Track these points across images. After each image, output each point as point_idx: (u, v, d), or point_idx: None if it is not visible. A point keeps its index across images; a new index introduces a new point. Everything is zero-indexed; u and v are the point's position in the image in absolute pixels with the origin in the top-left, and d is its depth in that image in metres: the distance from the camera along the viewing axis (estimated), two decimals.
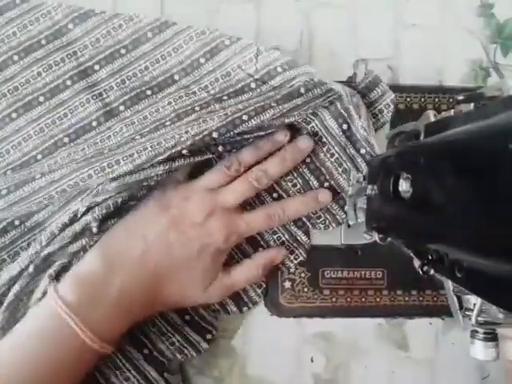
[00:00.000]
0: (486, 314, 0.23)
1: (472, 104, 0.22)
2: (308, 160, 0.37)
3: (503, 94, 0.22)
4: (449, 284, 0.25)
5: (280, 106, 0.33)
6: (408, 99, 0.39)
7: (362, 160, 0.35)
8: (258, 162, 0.35)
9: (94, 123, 0.37)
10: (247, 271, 0.36)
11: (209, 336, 0.37)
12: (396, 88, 0.39)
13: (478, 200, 0.18)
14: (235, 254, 0.37)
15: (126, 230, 0.33)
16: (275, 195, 0.37)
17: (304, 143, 0.35)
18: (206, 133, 0.32)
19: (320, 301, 0.38)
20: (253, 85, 0.36)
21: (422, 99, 0.39)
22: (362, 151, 0.35)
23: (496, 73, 0.40)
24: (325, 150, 0.36)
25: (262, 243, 0.38)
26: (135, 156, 0.32)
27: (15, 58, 0.37)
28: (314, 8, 0.40)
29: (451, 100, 0.39)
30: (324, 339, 0.39)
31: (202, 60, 0.37)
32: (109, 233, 0.33)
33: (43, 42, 0.37)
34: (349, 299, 0.38)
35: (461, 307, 0.25)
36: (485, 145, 0.17)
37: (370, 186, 0.31)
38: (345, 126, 0.35)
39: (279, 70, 0.36)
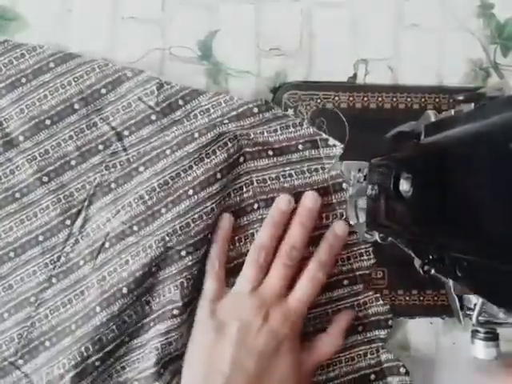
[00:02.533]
0: (487, 313, 0.23)
1: (472, 104, 0.22)
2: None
3: (503, 94, 0.22)
4: (450, 284, 0.25)
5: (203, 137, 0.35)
6: (408, 99, 0.39)
7: None
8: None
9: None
10: (330, 344, 0.35)
11: None
12: (396, 88, 0.39)
13: (478, 199, 0.18)
14: (308, 328, 0.37)
15: (199, 368, 0.33)
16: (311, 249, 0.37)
17: (311, 201, 0.36)
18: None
19: None
20: (153, 117, 0.37)
21: (422, 99, 0.39)
22: None
23: (496, 73, 0.40)
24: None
25: (322, 302, 0.37)
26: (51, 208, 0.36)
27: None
28: (314, 8, 0.40)
29: (451, 100, 0.39)
30: None
31: (103, 91, 0.37)
32: (184, 379, 0.33)
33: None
34: None
35: (462, 307, 0.25)
36: (485, 145, 0.17)
37: (370, 186, 0.31)
38: None
39: (180, 103, 0.37)
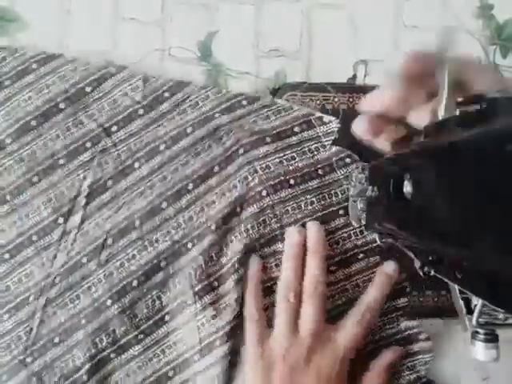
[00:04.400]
0: (487, 315, 0.23)
1: (472, 105, 0.22)
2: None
3: (503, 95, 0.22)
4: (455, 287, 0.25)
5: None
6: None
7: None
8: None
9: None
10: (377, 377, 0.35)
11: None
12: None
13: (478, 201, 0.18)
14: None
15: None
16: (338, 264, 0.38)
17: (315, 232, 0.36)
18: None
19: None
20: (141, 111, 0.37)
21: None
22: None
23: None
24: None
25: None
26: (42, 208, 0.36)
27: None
28: (314, 9, 0.40)
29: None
30: None
31: (88, 89, 0.37)
32: None
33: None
34: None
35: (468, 311, 0.24)
36: (485, 146, 0.17)
37: (370, 188, 0.31)
38: None
39: (166, 95, 0.37)
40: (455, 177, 0.19)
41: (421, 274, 0.23)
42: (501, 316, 0.23)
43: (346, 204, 0.37)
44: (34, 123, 0.37)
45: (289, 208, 0.36)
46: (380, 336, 0.37)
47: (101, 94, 0.37)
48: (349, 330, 0.34)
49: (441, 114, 0.23)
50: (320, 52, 0.39)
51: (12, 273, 0.36)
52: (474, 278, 0.20)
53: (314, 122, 0.37)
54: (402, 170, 0.24)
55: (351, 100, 0.38)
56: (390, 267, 0.36)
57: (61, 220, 0.37)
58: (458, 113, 0.23)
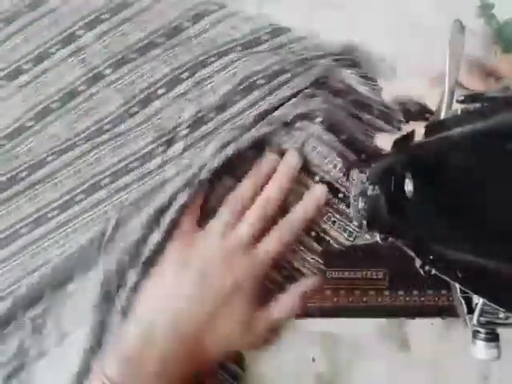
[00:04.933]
0: (488, 314, 0.23)
1: (472, 104, 0.22)
2: (311, 173, 0.37)
3: (504, 94, 0.22)
4: (456, 286, 0.25)
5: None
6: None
7: None
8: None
9: (82, 87, 0.37)
10: (285, 308, 0.36)
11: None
12: None
13: (478, 200, 0.18)
14: (266, 287, 0.37)
15: (154, 296, 0.33)
16: None
17: (292, 159, 0.36)
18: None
19: (321, 301, 0.38)
20: (239, 48, 0.38)
21: None
22: None
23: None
24: (321, 157, 0.37)
25: (286, 266, 0.38)
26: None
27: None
28: (314, 8, 0.40)
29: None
30: (325, 339, 0.39)
31: (187, 24, 0.38)
32: (140, 303, 0.34)
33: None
34: (350, 299, 0.38)
35: (469, 310, 0.24)
36: (485, 145, 0.17)
37: (371, 187, 0.31)
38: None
39: (264, 38, 0.38)
40: (456, 175, 0.19)
41: (421, 273, 0.23)
42: (502, 315, 0.23)
43: None
44: (133, 56, 0.37)
45: None
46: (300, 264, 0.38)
47: (200, 30, 0.38)
48: (269, 244, 0.35)
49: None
50: None
51: (110, 198, 0.37)
52: (475, 277, 0.20)
53: None
54: (403, 169, 0.24)
55: None
56: (317, 190, 0.37)
57: (161, 149, 0.37)
58: (459, 111, 0.23)
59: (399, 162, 0.26)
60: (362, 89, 0.37)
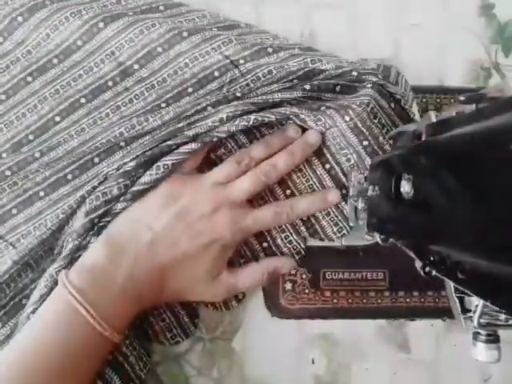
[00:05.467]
0: (488, 315, 0.23)
1: (473, 105, 0.22)
2: (323, 159, 0.37)
3: (505, 94, 0.22)
4: (451, 286, 0.25)
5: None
6: None
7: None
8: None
9: (110, 83, 0.37)
10: (252, 275, 0.36)
11: (196, 320, 0.37)
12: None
13: (479, 201, 0.17)
14: (242, 250, 0.37)
15: (133, 219, 0.33)
16: (288, 192, 0.37)
17: (313, 137, 0.36)
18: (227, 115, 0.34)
19: (321, 302, 0.38)
20: (270, 50, 0.36)
21: (424, 99, 0.39)
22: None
23: (497, 73, 0.40)
24: (337, 148, 0.36)
25: (268, 239, 0.38)
26: (163, 112, 0.35)
27: (20, 19, 0.37)
28: (314, 8, 0.40)
29: (452, 100, 0.39)
30: (325, 341, 0.39)
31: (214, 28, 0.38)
32: (115, 221, 0.33)
33: (47, 1, 0.37)
34: (350, 300, 0.38)
35: (463, 309, 0.24)
36: (486, 146, 0.17)
37: (371, 187, 0.30)
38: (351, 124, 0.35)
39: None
40: (456, 176, 0.19)
41: (422, 274, 0.23)
42: (502, 317, 0.23)
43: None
44: (159, 50, 0.37)
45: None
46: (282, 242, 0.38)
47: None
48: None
49: None
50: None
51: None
52: (475, 278, 0.19)
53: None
54: (402, 169, 0.24)
55: None
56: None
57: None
58: (454, 113, 0.23)
59: (399, 162, 0.26)
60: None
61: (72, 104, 0.37)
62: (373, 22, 0.40)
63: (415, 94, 0.38)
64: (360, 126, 0.34)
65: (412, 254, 0.26)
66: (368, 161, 0.35)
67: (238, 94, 0.36)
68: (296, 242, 0.38)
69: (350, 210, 0.35)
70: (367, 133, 0.34)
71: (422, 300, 0.38)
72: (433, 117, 0.26)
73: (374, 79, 0.34)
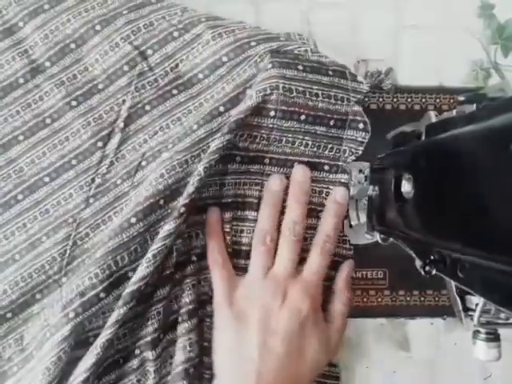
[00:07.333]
0: (489, 314, 0.23)
1: (473, 105, 0.22)
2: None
3: (504, 94, 0.22)
4: (452, 284, 0.25)
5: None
6: (409, 100, 0.39)
7: None
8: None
9: (21, 80, 0.37)
10: (341, 303, 0.35)
11: None
12: (396, 89, 0.39)
13: (479, 200, 0.18)
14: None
15: (228, 359, 0.33)
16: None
17: (301, 176, 0.35)
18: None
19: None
20: (176, 34, 0.37)
21: (423, 100, 0.39)
22: None
23: (497, 73, 0.40)
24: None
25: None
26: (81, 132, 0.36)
27: None
28: (314, 8, 0.40)
29: (452, 101, 0.39)
30: None
31: (125, 11, 0.37)
32: (216, 369, 0.33)
33: None
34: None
35: (464, 308, 0.25)
36: (486, 146, 0.17)
37: (371, 187, 0.31)
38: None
39: (202, 19, 0.37)
40: (457, 176, 0.19)
41: (422, 272, 0.23)
42: (502, 315, 0.23)
43: (332, 162, 0.36)
44: (72, 46, 0.37)
45: (284, 138, 0.35)
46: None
47: (137, 16, 0.37)
48: (314, 262, 0.34)
49: None
50: (320, 51, 0.39)
51: (51, 195, 0.36)
52: (475, 277, 0.20)
53: (347, 74, 0.36)
54: (403, 169, 0.24)
55: None
56: (339, 194, 0.36)
57: (100, 144, 0.37)
58: (454, 113, 0.23)
59: (398, 162, 0.26)
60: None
61: (90, 89, 0.37)
62: (373, 22, 0.40)
63: (415, 94, 0.39)
64: (287, 108, 0.34)
65: (412, 253, 0.26)
66: (317, 129, 0.35)
67: (147, 94, 0.37)
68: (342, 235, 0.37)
69: (351, 209, 0.35)
70: (297, 109, 0.35)
71: (422, 299, 0.38)
72: (433, 117, 0.26)
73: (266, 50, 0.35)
